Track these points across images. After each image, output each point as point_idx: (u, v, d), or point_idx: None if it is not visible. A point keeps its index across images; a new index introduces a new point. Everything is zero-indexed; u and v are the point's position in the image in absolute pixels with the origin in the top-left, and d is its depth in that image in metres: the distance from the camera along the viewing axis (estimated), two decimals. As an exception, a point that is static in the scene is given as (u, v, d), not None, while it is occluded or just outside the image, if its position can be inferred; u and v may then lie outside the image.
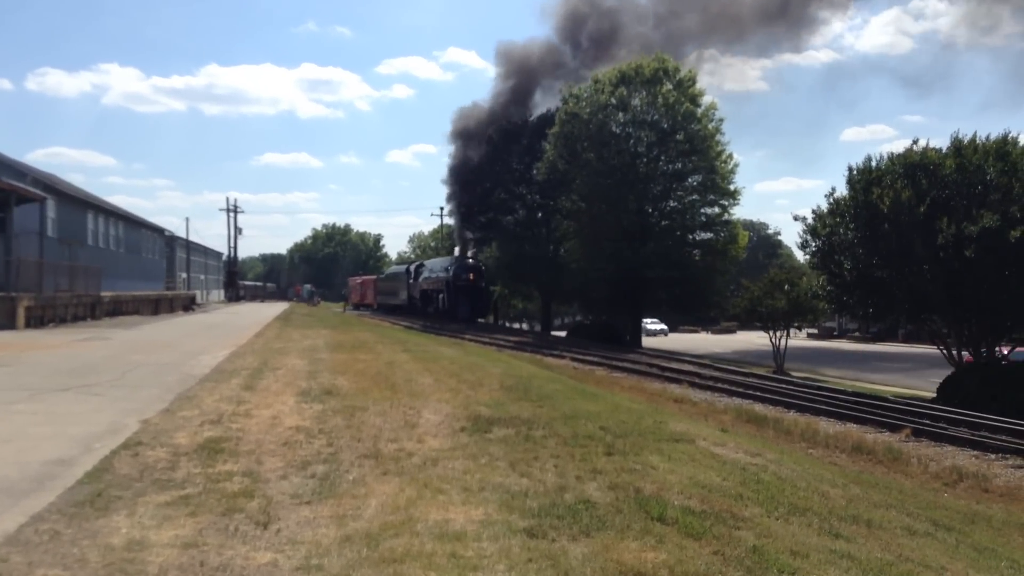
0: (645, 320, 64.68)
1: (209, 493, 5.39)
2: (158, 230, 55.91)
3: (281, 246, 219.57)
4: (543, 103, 53.76)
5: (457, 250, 57.00)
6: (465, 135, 57.12)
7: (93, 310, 29.21)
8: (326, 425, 8.00)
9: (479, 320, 49.15)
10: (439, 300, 49.08)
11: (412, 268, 58.68)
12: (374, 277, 77.28)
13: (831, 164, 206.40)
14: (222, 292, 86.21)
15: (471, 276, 47.55)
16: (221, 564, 4.05)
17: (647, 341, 49.69)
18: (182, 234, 73.98)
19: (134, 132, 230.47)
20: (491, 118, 54.89)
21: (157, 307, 38.26)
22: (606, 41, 53.51)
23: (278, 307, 56.19)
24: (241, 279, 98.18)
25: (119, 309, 32.51)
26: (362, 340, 21.46)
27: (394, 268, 73.02)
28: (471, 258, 52.43)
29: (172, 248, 66.98)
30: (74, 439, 7.03)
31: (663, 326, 68.77)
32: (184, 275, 72.86)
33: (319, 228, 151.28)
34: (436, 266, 52.92)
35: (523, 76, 56.10)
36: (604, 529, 4.83)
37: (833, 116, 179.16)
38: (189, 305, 46.93)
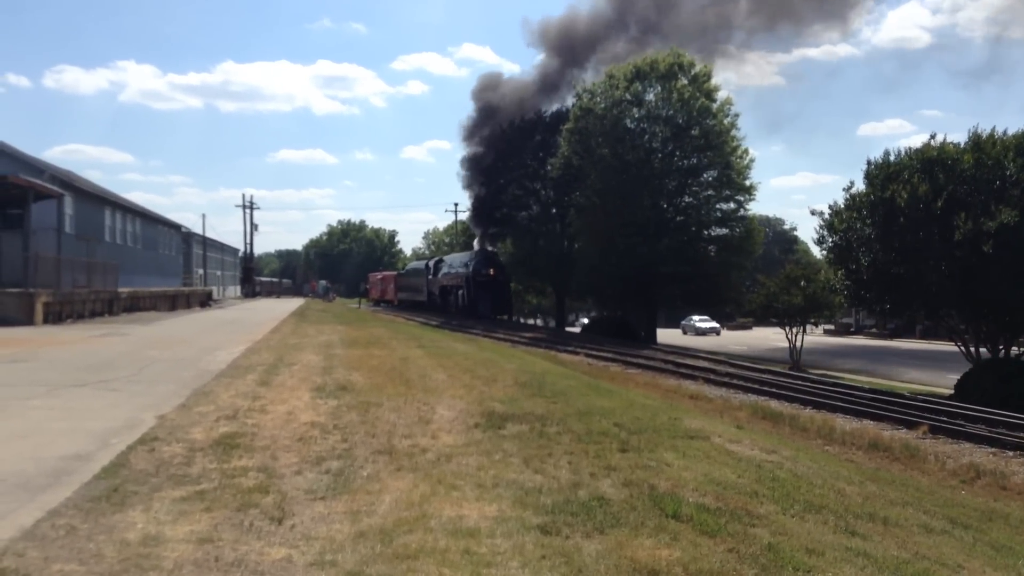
0: (693, 317, 64.69)
1: (224, 488, 5.41)
2: (175, 226, 56.18)
3: (296, 242, 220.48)
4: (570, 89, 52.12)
5: (476, 244, 55.74)
6: (487, 111, 55.26)
7: (110, 306, 29.39)
8: (341, 421, 8.02)
9: (499, 317, 48.00)
10: (459, 296, 48.20)
11: (431, 264, 57.68)
12: (394, 273, 76.43)
13: (848, 159, 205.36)
14: (238, 288, 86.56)
15: (491, 271, 46.40)
16: (236, 560, 4.07)
17: (695, 341, 48.85)
18: (199, 230, 74.39)
19: (151, 129, 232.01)
20: (518, 98, 53.42)
21: (174, 303, 38.46)
22: (654, 22, 51.80)
23: (293, 303, 56.41)
24: (257, 275, 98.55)
25: (136, 305, 32.70)
26: (376, 336, 21.50)
27: (414, 264, 71.76)
28: (492, 253, 50.97)
29: (189, 244, 67.31)
30: (91, 434, 7.07)
31: (714, 324, 64.49)
32: (201, 271, 73.21)
33: (334, 224, 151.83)
34: (456, 261, 52.04)
35: (564, 53, 53.58)
36: (618, 526, 4.82)
37: (849, 111, 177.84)
38: (206, 301, 47.15)
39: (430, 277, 55.87)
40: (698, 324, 63.86)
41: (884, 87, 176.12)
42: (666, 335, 46.53)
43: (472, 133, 56.01)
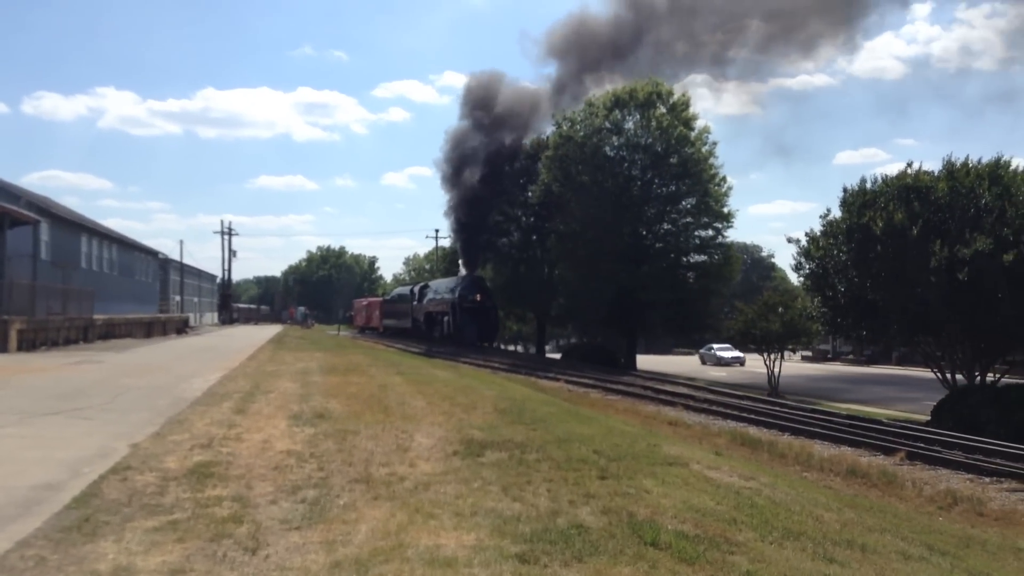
0: (714, 345, 58.55)
1: (198, 518, 5.34)
2: (152, 253, 55.84)
3: (275, 268, 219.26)
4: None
5: (463, 269, 53.04)
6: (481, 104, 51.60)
7: (86, 333, 29.10)
8: (317, 449, 7.95)
9: (486, 344, 46.38)
10: (444, 323, 46.84)
11: (416, 289, 55.90)
12: (380, 299, 73.92)
13: (825, 187, 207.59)
14: (216, 315, 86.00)
15: (478, 297, 44.87)
16: (208, 591, 4.00)
17: (714, 373, 46.56)
18: (176, 257, 73.97)
19: (130, 155, 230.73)
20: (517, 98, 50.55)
21: (150, 330, 38.15)
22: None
23: (272, 330, 56.07)
24: (235, 301, 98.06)
25: (112, 332, 32.39)
26: (355, 363, 21.39)
27: (399, 289, 68.75)
28: (478, 278, 48.71)
29: (166, 271, 66.88)
30: (62, 463, 6.97)
31: (737, 353, 55.32)
32: (178, 298, 72.71)
33: (314, 251, 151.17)
34: (441, 287, 50.49)
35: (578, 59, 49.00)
36: (597, 554, 4.79)
37: (827, 139, 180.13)
38: (182, 328, 46.80)
39: (415, 303, 54.46)
40: (719, 353, 57.12)
41: (860, 116, 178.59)
42: (647, 361, 46.54)
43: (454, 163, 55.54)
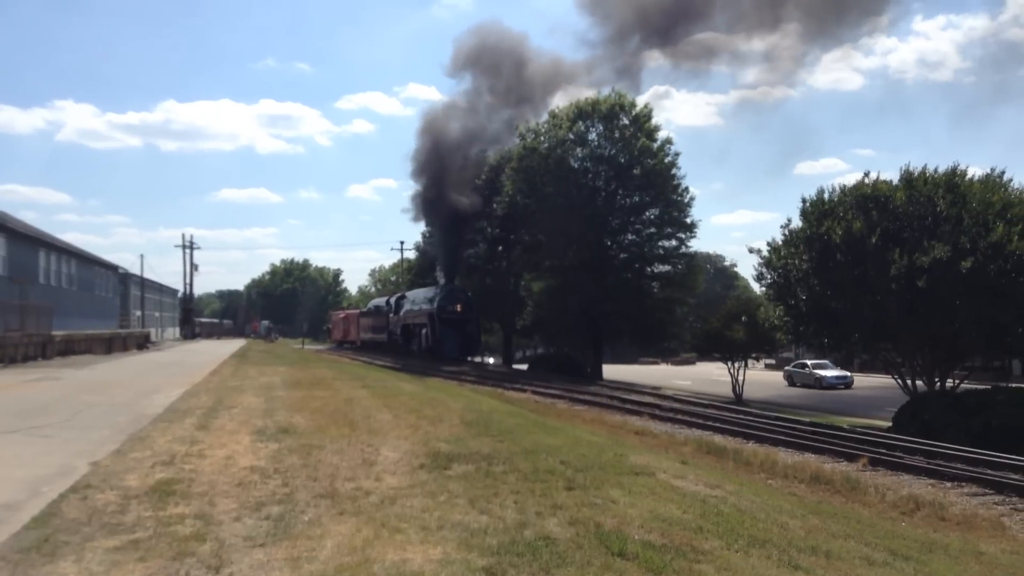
0: (808, 363, 47.43)
1: (160, 537, 5.26)
2: (112, 267, 55.09)
3: (238, 282, 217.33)
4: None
5: (441, 277, 49.15)
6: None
7: (44, 349, 28.59)
8: (282, 465, 7.87)
9: (468, 359, 43.63)
10: (422, 336, 44.05)
11: (393, 300, 52.68)
12: (357, 311, 69.39)
13: (786, 197, 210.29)
14: (178, 330, 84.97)
15: (458, 307, 42.27)
16: (170, 611, 3.94)
17: (822, 394, 40.04)
18: (137, 271, 72.98)
19: (89, 169, 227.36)
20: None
21: (110, 346, 37.56)
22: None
23: (235, 344, 55.50)
24: (197, 316, 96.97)
25: (71, 348, 31.85)
26: (320, 377, 21.23)
27: (375, 301, 63.87)
28: (459, 287, 45.83)
29: (126, 285, 65.98)
30: (21, 482, 6.83)
31: (843, 372, 45.52)
32: (139, 313, 71.72)
33: (277, 264, 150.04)
34: (418, 297, 47.33)
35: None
36: (564, 566, 4.79)
37: (786, 150, 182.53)
38: (143, 343, 46.14)
39: (391, 315, 51.44)
40: (820, 372, 44.93)
41: (820, 127, 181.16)
42: (613, 371, 46.65)
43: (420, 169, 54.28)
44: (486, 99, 46.82)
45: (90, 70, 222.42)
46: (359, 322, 63.14)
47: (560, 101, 45.71)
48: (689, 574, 4.81)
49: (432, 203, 48.44)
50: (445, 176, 47.26)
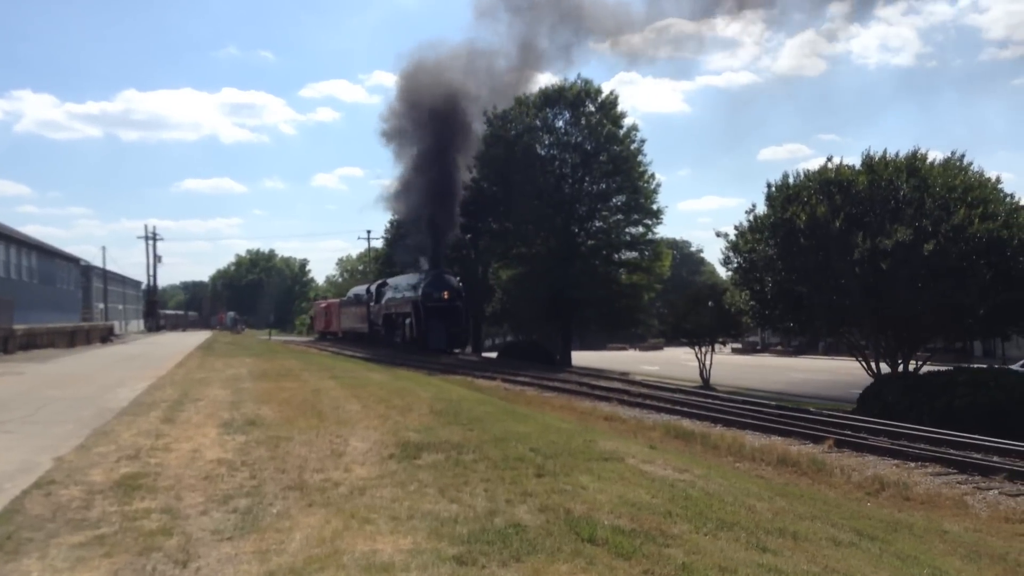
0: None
1: (125, 532, 5.19)
2: (73, 260, 54.23)
3: (203, 273, 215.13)
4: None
5: (428, 263, 45.69)
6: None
7: (5, 344, 28.10)
8: (249, 457, 7.81)
9: (456, 351, 40.56)
10: (406, 326, 41.24)
11: (373, 288, 49.45)
12: (338, 300, 64.80)
13: (751, 183, 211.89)
14: (142, 322, 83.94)
15: (445, 294, 39.37)
16: (137, 607, 3.89)
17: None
18: (99, 263, 71.93)
19: (49, 160, 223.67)
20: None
21: (73, 339, 37.00)
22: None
23: (201, 336, 54.91)
24: (162, 308, 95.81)
25: (33, 342, 31.33)
26: (288, 368, 21.09)
27: (356, 289, 59.65)
28: (446, 272, 42.58)
29: (88, 278, 65.01)
30: (-19, 480, 6.71)
31: None
32: (101, 305, 70.77)
33: (243, 254, 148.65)
34: (402, 284, 44.33)
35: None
36: (535, 553, 4.80)
37: (751, 136, 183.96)
38: (107, 336, 45.49)
39: (372, 304, 48.46)
40: None
41: (783, 113, 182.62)
42: (582, 357, 46.76)
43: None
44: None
45: (48, 59, 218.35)
46: (340, 312, 59.98)
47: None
48: (659, 558, 4.84)
49: (423, 167, 45.78)
50: (445, 139, 45.14)
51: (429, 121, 46.08)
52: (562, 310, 41.87)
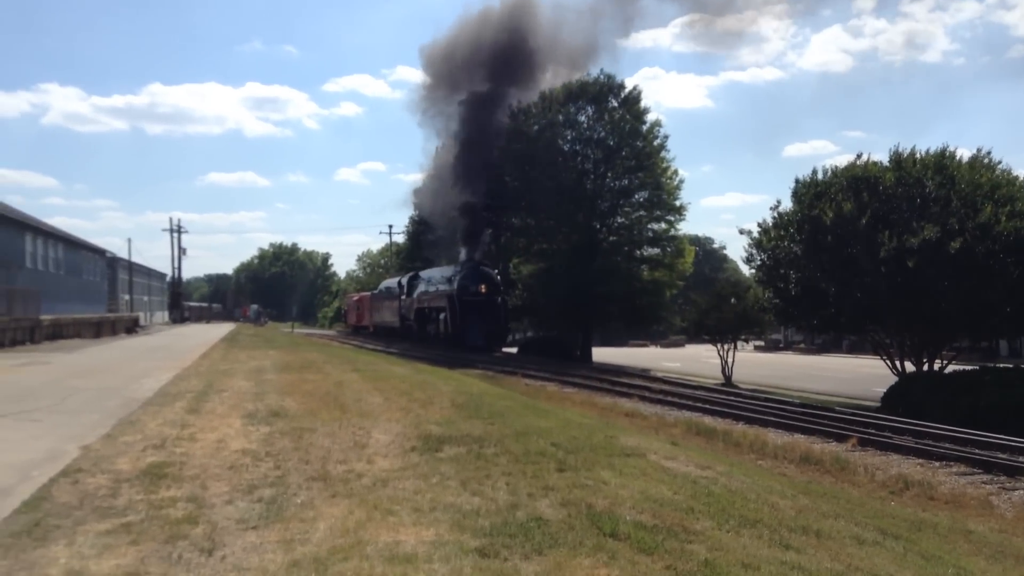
0: None
1: (152, 520, 5.24)
2: (99, 251, 54.77)
3: (227, 266, 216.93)
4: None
5: (463, 255, 43.60)
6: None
7: (32, 334, 28.43)
8: (273, 448, 7.86)
9: (498, 349, 38.59)
10: (440, 321, 39.24)
11: (405, 281, 47.67)
12: (369, 293, 62.52)
13: (776, 179, 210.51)
14: (166, 314, 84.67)
15: (482, 288, 37.43)
16: (163, 594, 3.93)
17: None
18: (124, 255, 72.58)
19: (75, 152, 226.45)
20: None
21: (99, 330, 37.39)
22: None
23: (224, 328, 55.29)
24: (186, 300, 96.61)
25: (59, 332, 31.69)
26: (310, 360, 21.20)
27: (387, 282, 57.48)
28: (483, 265, 40.31)
29: (114, 270, 65.61)
30: (10, 467, 6.80)
31: None
32: (127, 297, 71.39)
33: (266, 247, 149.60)
34: (435, 276, 42.43)
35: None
36: (556, 547, 4.80)
37: (776, 132, 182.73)
38: (132, 327, 45.92)
39: (403, 297, 46.63)
40: None
41: (809, 109, 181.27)
42: (603, 354, 46.66)
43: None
44: None
45: (75, 53, 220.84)
46: (370, 306, 58.04)
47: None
48: (681, 554, 4.82)
49: (473, 120, 43.29)
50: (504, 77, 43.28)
51: (487, 60, 44.11)
52: (583, 306, 41.74)
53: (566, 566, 4.45)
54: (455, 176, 43.88)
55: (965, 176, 23.34)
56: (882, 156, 25.83)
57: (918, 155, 24.63)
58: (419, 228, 59.89)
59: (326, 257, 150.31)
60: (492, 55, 44.15)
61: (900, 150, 25.05)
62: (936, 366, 24.76)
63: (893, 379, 24.30)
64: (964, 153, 25.02)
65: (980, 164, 24.10)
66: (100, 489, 6.06)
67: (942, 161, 24.11)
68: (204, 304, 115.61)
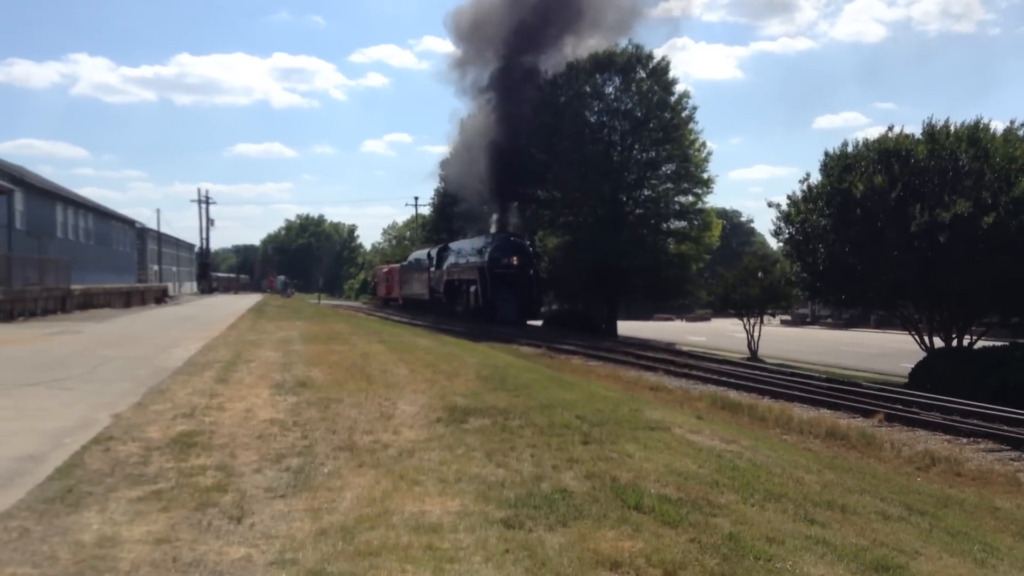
0: None
1: (182, 488, 5.32)
2: (129, 222, 55.31)
3: (254, 237, 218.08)
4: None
5: (494, 224, 42.30)
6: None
7: (63, 303, 28.82)
8: (300, 417, 7.94)
9: (528, 323, 37.57)
10: (470, 294, 38.19)
11: (434, 253, 46.57)
12: (399, 265, 60.73)
13: (805, 151, 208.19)
14: (195, 284, 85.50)
15: (515, 259, 36.27)
16: (194, 560, 4.00)
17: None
18: (153, 225, 73.33)
19: (104, 123, 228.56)
20: None
21: (129, 300, 37.82)
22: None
23: (251, 299, 55.68)
24: (214, 271, 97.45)
25: (90, 302, 32.09)
26: (337, 331, 21.33)
27: (416, 253, 55.99)
28: (514, 236, 39.21)
29: (143, 240, 66.29)
30: (44, 434, 6.92)
31: None
32: (156, 267, 72.23)
33: (293, 219, 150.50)
34: (465, 248, 41.48)
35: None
36: (581, 518, 4.82)
37: (806, 103, 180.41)
38: (161, 297, 46.40)
39: (432, 269, 45.70)
40: None
41: (840, 80, 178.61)
42: (628, 327, 46.61)
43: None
44: None
45: (103, 23, 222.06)
46: (400, 278, 56.91)
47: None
48: (705, 527, 4.83)
49: (503, 80, 42.08)
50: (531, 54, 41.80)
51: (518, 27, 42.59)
52: (608, 279, 41.59)
53: (590, 537, 4.47)
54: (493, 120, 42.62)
55: (999, 149, 22.95)
56: (914, 129, 25.52)
57: (952, 127, 24.22)
58: (445, 200, 59.79)
59: (352, 229, 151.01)
60: (523, 21, 42.90)
61: (933, 122, 24.66)
62: (965, 342, 24.50)
63: (921, 355, 24.09)
64: (998, 126, 24.59)
65: (1015, 137, 23.67)
66: (131, 457, 6.16)
67: (976, 134, 23.72)
68: (232, 275, 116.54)
